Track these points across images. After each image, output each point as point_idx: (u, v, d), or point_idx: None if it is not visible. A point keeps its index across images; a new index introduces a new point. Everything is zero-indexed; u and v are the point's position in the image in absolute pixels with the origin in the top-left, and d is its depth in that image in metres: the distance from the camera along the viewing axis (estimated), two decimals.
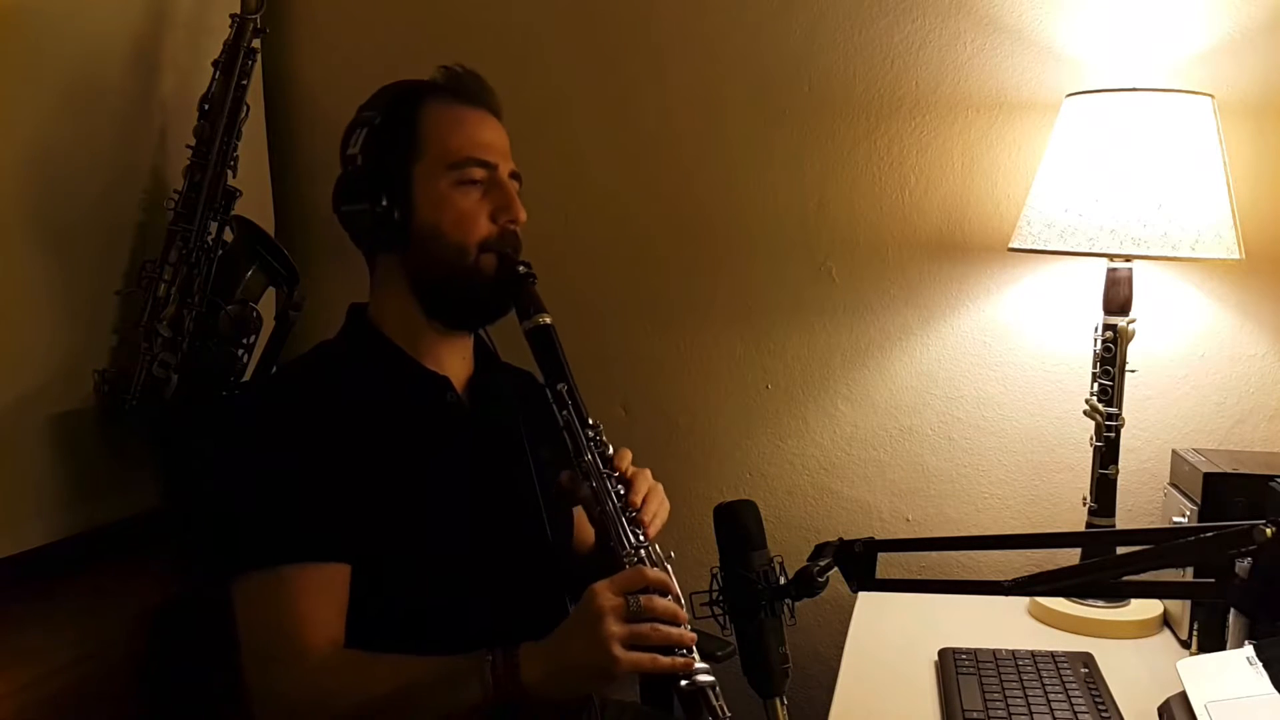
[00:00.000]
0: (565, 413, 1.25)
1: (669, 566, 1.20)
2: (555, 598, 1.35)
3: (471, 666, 1.13)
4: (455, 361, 1.36)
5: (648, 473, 1.30)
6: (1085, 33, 1.68)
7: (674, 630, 1.12)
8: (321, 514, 1.20)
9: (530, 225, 1.85)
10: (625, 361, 1.91)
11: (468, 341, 1.38)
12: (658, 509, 1.28)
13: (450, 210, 1.29)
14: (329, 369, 1.32)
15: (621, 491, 1.24)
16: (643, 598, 1.11)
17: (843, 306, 1.82)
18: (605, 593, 1.11)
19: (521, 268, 1.30)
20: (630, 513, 1.23)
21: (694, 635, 1.14)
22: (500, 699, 1.12)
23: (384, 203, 1.27)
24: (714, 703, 1.13)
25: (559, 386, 1.26)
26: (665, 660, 1.11)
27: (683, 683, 1.12)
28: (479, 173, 1.30)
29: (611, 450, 1.26)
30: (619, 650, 1.08)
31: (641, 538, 1.22)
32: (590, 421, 1.26)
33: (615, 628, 1.09)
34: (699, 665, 1.13)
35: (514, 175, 1.35)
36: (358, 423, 1.25)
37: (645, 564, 1.19)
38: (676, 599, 1.15)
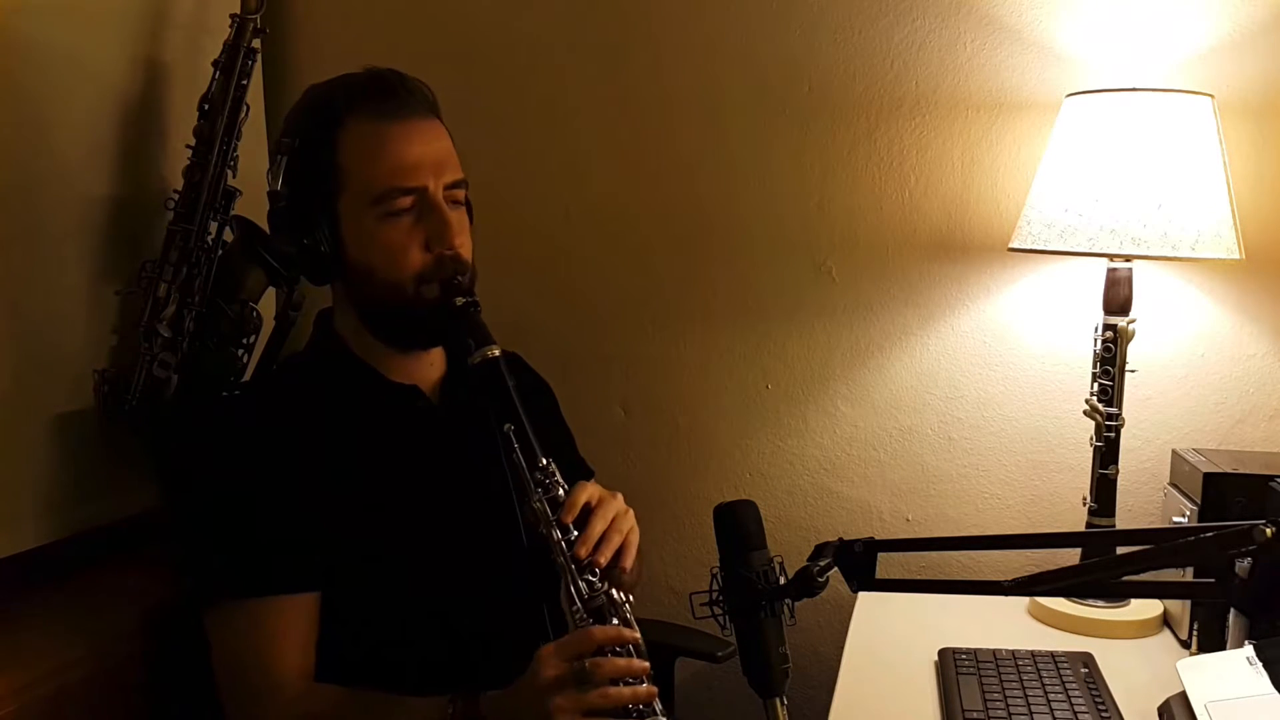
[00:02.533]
0: (514, 455, 1.17)
1: (628, 611, 1.14)
2: (534, 601, 1.32)
3: (433, 710, 1.12)
4: (423, 368, 1.34)
5: (613, 506, 1.20)
6: (1085, 33, 1.68)
7: (625, 691, 1.07)
8: (292, 544, 1.19)
9: (531, 225, 1.87)
10: (625, 361, 1.91)
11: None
12: (625, 539, 1.19)
13: (380, 247, 1.23)
14: (296, 389, 1.30)
15: (572, 538, 1.15)
16: (589, 661, 1.06)
17: (843, 306, 1.82)
18: (550, 660, 1.07)
19: (460, 299, 1.22)
20: (582, 561, 1.15)
21: (652, 690, 1.10)
22: None
23: (308, 242, 1.24)
24: None
25: (506, 428, 1.17)
26: None
27: None
28: (405, 201, 1.22)
29: (563, 492, 1.17)
30: None
31: (596, 586, 1.14)
32: (541, 463, 1.17)
33: (560, 700, 1.05)
34: None
35: (456, 184, 1.27)
36: (328, 443, 1.24)
37: (603, 613, 1.12)
38: (637, 649, 1.11)
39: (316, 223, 1.24)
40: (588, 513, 1.18)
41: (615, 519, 1.19)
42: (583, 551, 1.15)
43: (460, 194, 1.28)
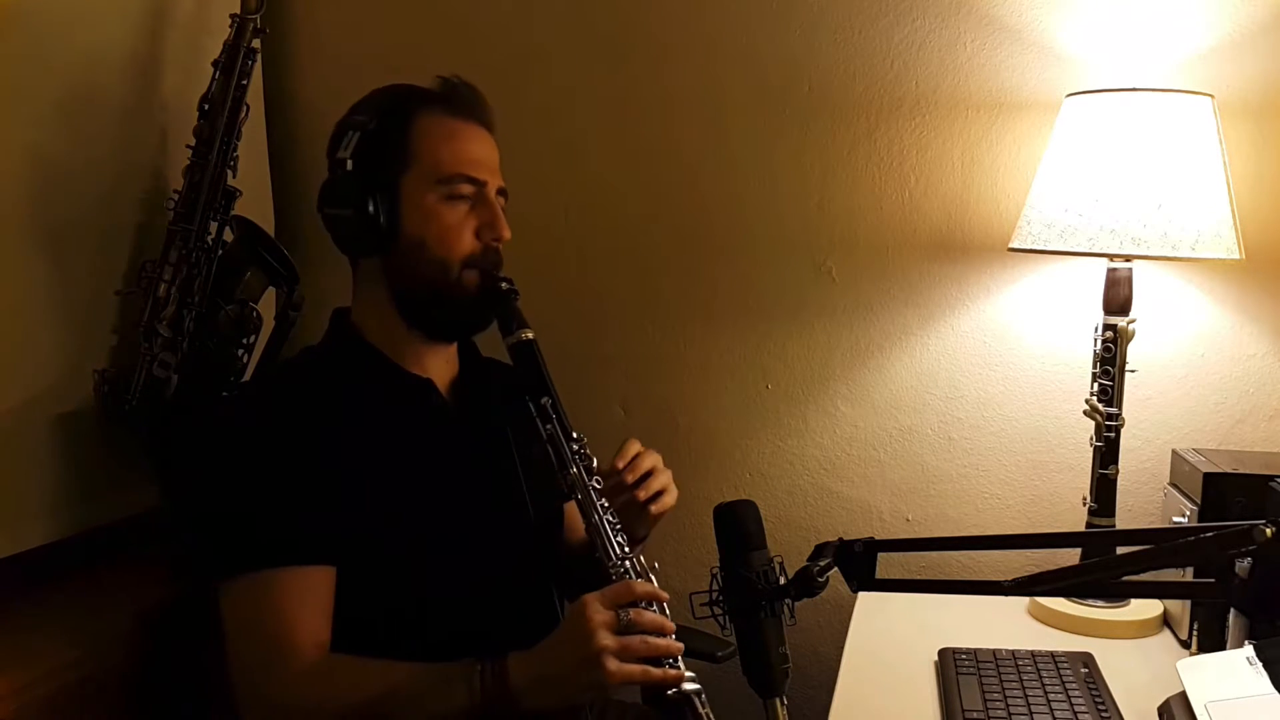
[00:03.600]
0: (549, 426, 1.26)
1: (653, 577, 1.22)
2: (544, 593, 1.35)
3: (459, 674, 1.14)
4: (439, 364, 1.36)
5: (654, 457, 1.34)
6: (1085, 33, 1.68)
7: (662, 642, 1.13)
8: (305, 517, 1.20)
9: (531, 224, 1.86)
10: (625, 361, 1.91)
11: (451, 344, 1.39)
12: (665, 485, 1.32)
13: (436, 224, 1.29)
14: (312, 375, 1.32)
15: (606, 504, 1.25)
16: (632, 611, 1.13)
17: (843, 306, 1.82)
18: (596, 606, 1.12)
19: (504, 284, 1.31)
20: (615, 525, 1.24)
21: (681, 645, 1.15)
22: (487, 707, 1.12)
23: (370, 209, 1.27)
24: (700, 710, 1.15)
25: (543, 401, 1.26)
26: (656, 672, 1.12)
27: (670, 692, 1.14)
28: (467, 188, 1.30)
29: (596, 462, 1.27)
30: (611, 664, 1.10)
31: (625, 550, 1.23)
32: (575, 435, 1.27)
33: (607, 641, 1.10)
34: (687, 674, 1.15)
35: (501, 192, 1.35)
36: (340, 426, 1.25)
37: (631, 575, 1.20)
38: (663, 610, 1.16)
39: (378, 194, 1.28)
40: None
41: (657, 469, 1.33)
42: (630, 478, 1.30)
43: (504, 201, 1.35)
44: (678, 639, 1.15)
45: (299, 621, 1.18)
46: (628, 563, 1.22)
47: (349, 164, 1.30)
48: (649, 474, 1.32)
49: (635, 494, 1.29)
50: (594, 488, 1.25)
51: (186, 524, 1.42)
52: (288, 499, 1.20)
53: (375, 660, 1.19)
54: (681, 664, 1.16)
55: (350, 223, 1.29)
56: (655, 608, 1.16)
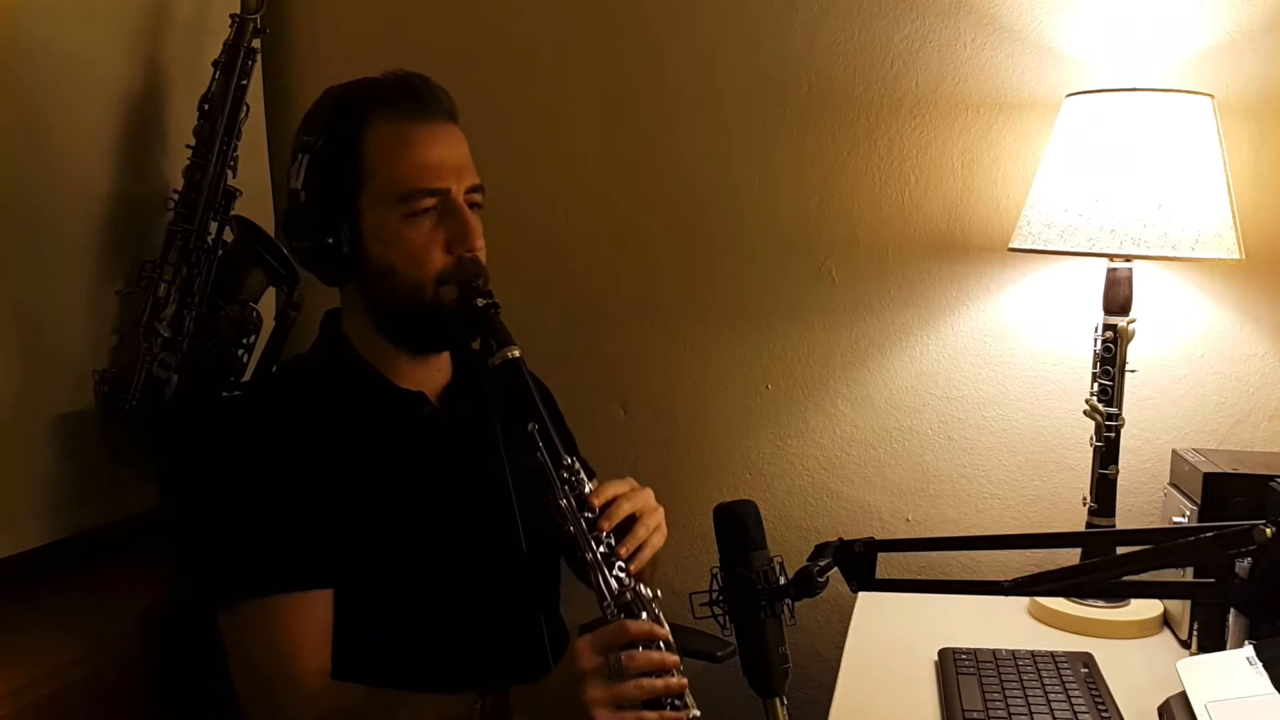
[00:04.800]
0: (539, 455, 1.18)
1: (657, 608, 1.16)
2: (532, 609, 1.33)
3: (461, 707, 1.12)
4: (429, 374, 1.34)
5: (646, 495, 1.23)
6: (1085, 33, 1.68)
7: (659, 683, 1.09)
8: (305, 543, 1.19)
9: (531, 225, 1.87)
10: (625, 361, 1.91)
11: (441, 354, 1.36)
12: (649, 537, 1.21)
13: (402, 246, 1.23)
14: (306, 393, 1.29)
15: (600, 535, 1.17)
16: (624, 654, 1.08)
17: (843, 306, 1.82)
18: (586, 653, 1.09)
19: (481, 300, 1.23)
20: (611, 557, 1.16)
21: (683, 681, 1.12)
22: None
23: (331, 240, 1.23)
24: None
25: (530, 426, 1.18)
26: (651, 716, 1.09)
27: None
28: (429, 202, 1.23)
29: (588, 489, 1.18)
30: (602, 715, 1.06)
31: (625, 580, 1.16)
32: (565, 461, 1.18)
33: (596, 691, 1.07)
34: (690, 714, 1.11)
35: (475, 189, 1.28)
36: (334, 445, 1.24)
37: (631, 609, 1.14)
38: (667, 644, 1.12)
39: (337, 221, 1.23)
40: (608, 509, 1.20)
41: (643, 515, 1.21)
42: (624, 550, 1.16)
43: (478, 198, 1.29)
44: (677, 641, 1.14)
45: (302, 648, 1.18)
46: (628, 594, 1.14)
47: (301, 195, 1.25)
48: (633, 518, 1.20)
49: (617, 551, 1.17)
50: (585, 519, 1.16)
51: (186, 547, 1.41)
52: (287, 525, 1.19)
53: (376, 690, 1.18)
54: (689, 698, 1.12)
55: (314, 256, 1.26)
56: (660, 643, 1.11)
